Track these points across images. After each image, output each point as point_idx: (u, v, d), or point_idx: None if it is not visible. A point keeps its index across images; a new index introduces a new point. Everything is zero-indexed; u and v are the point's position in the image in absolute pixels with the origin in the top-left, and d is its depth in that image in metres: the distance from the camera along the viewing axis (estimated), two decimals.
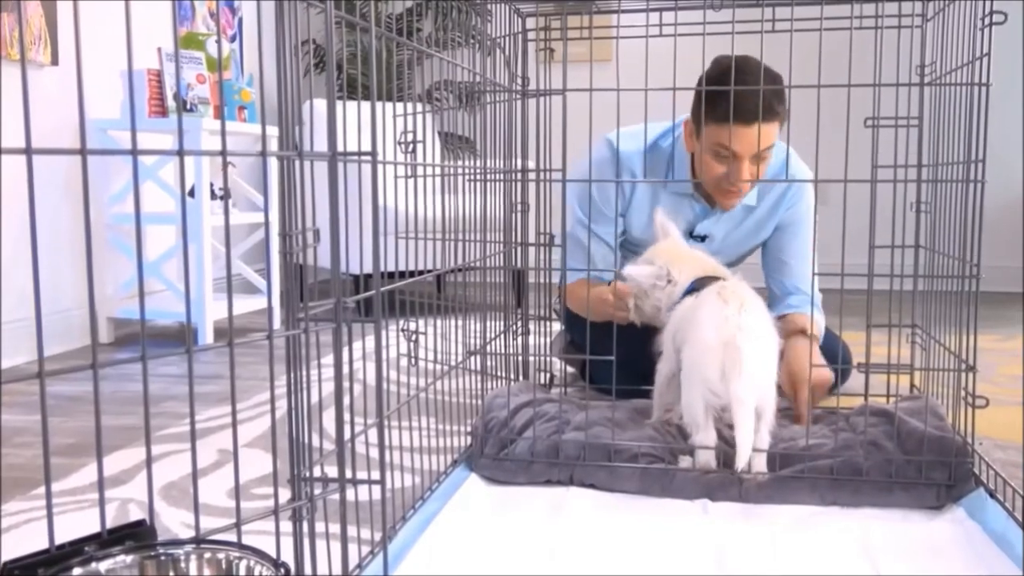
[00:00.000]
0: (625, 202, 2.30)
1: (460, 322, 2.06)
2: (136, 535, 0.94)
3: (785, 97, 2.01)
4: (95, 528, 0.94)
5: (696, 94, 2.06)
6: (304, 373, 1.08)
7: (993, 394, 1.67)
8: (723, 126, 1.98)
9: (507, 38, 2.16)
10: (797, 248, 2.35)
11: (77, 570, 0.88)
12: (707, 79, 2.00)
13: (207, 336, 3.32)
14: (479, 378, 2.06)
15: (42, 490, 1.77)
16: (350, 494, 1.11)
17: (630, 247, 2.35)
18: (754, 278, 2.47)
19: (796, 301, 2.32)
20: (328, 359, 1.12)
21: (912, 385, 2.14)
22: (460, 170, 2.00)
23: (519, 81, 2.18)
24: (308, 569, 1.09)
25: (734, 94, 1.80)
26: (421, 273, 1.63)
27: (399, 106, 3.68)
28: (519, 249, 2.24)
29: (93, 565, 0.89)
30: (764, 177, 2.10)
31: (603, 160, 2.25)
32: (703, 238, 2.35)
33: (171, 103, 3.36)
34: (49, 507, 0.86)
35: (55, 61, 3.11)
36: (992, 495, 1.60)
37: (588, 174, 2.18)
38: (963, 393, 1.66)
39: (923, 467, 1.65)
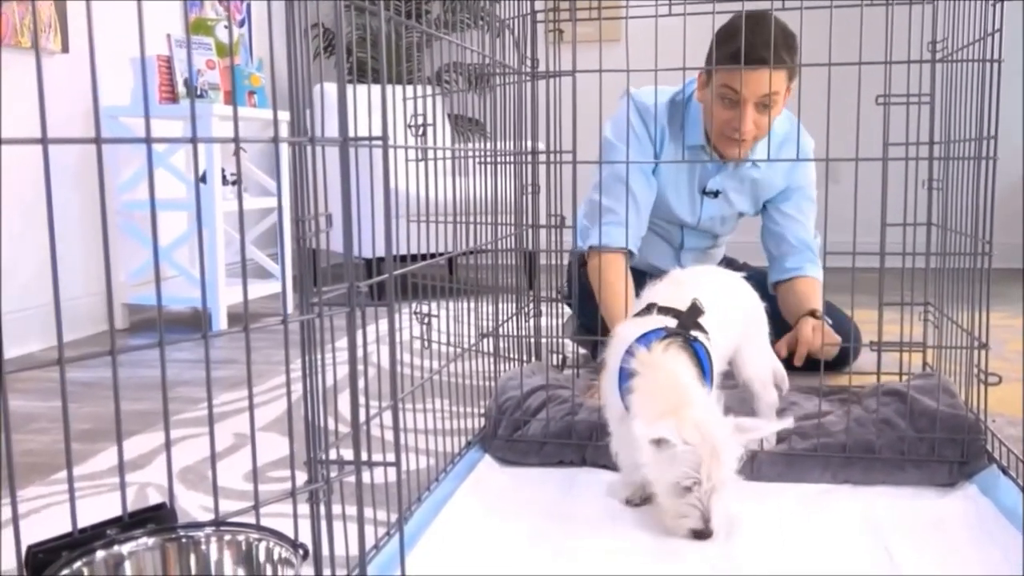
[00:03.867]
0: (655, 147, 2.30)
1: (473, 305, 2.06)
2: (157, 518, 0.95)
3: (796, 50, 2.03)
4: (114, 512, 0.95)
5: (712, 37, 2.08)
6: (319, 357, 1.09)
7: (1005, 371, 1.67)
8: (730, 68, 2.01)
9: (516, 19, 2.15)
10: (799, 204, 2.37)
11: (100, 553, 0.89)
12: (724, 27, 2.03)
13: (221, 321, 3.33)
14: (492, 360, 2.07)
15: (60, 475, 1.79)
16: (366, 476, 1.12)
17: (657, 216, 2.37)
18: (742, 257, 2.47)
19: (793, 263, 2.34)
20: (342, 343, 1.12)
21: (925, 363, 2.14)
22: (470, 153, 2.00)
23: (528, 62, 2.18)
24: (325, 550, 1.10)
25: (745, 38, 1.82)
26: (433, 256, 1.64)
27: (408, 89, 3.68)
28: (530, 231, 2.24)
29: (116, 548, 0.90)
30: (770, 133, 2.11)
31: (623, 113, 2.27)
32: (716, 193, 2.36)
33: (181, 89, 3.36)
34: (71, 491, 0.87)
35: (65, 48, 3.12)
36: (1005, 472, 1.60)
37: (616, 130, 2.22)
38: (976, 370, 1.66)
39: (935, 445, 1.66)
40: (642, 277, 1.92)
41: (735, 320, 1.75)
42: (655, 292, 1.73)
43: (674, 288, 1.72)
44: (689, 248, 2.52)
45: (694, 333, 1.59)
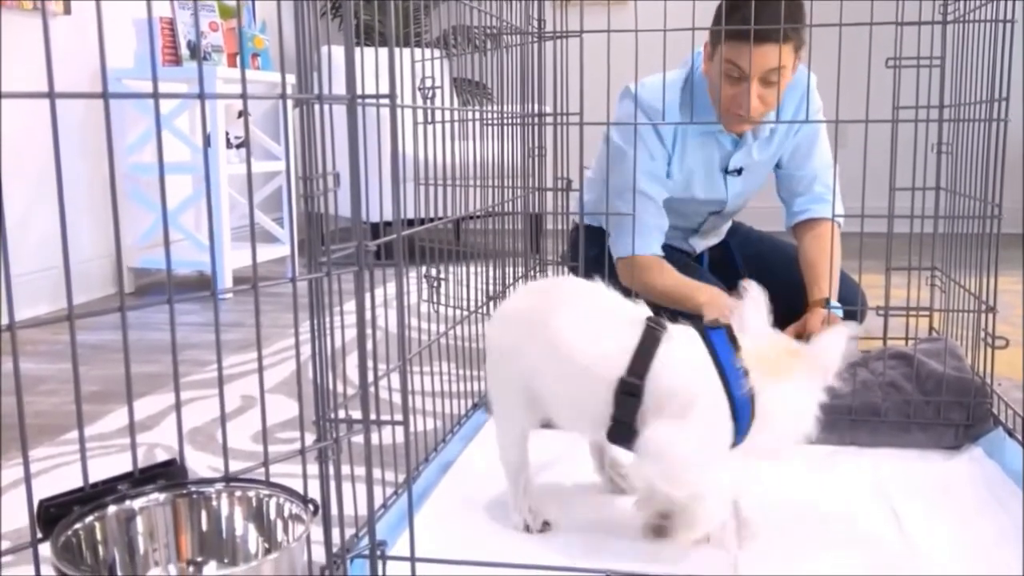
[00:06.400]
0: (668, 153, 2.25)
1: (479, 268, 2.06)
2: (167, 474, 0.95)
3: (803, 19, 1.99)
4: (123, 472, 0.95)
5: (716, 10, 2.04)
6: (327, 318, 1.09)
7: (1012, 335, 1.67)
8: (734, 44, 1.97)
9: None
10: (806, 134, 2.33)
11: (112, 508, 0.89)
12: None
13: (227, 284, 3.34)
14: None
15: (69, 436, 1.80)
16: (374, 436, 1.12)
17: (682, 205, 2.34)
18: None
19: (801, 204, 2.32)
20: (349, 306, 1.12)
21: (931, 328, 2.13)
22: (477, 115, 1.99)
23: (535, 23, 2.15)
24: (334, 509, 1.11)
25: (748, 11, 1.78)
26: (439, 220, 1.64)
27: (415, 52, 3.65)
28: (536, 194, 2.23)
29: (127, 503, 0.91)
30: (783, 102, 2.07)
31: (629, 115, 2.21)
32: (739, 171, 2.33)
33: (184, 52, 3.34)
34: (82, 445, 0.88)
35: (68, 11, 3.09)
36: (1011, 435, 1.61)
37: (624, 136, 2.13)
38: (983, 334, 1.66)
39: (941, 407, 1.66)
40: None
41: None
42: None
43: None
44: (703, 231, 2.49)
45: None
